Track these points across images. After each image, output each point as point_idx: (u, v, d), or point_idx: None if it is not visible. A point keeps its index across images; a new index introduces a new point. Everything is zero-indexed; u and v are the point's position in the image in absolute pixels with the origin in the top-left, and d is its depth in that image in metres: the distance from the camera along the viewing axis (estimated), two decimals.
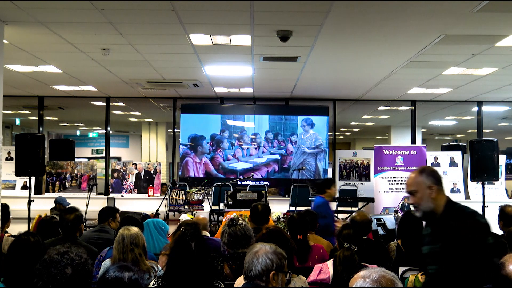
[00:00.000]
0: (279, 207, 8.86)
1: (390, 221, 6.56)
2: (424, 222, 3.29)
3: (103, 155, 11.99)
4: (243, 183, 10.07)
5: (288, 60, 7.32)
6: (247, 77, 8.63)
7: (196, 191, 9.02)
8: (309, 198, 9.09)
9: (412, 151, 9.50)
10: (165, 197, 9.17)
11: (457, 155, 10.49)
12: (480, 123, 11.20)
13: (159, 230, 5.73)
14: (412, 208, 3.42)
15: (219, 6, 5.01)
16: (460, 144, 13.13)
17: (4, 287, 3.34)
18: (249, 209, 5.32)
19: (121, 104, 12.18)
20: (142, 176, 10.55)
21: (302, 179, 9.89)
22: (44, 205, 8.84)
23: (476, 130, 11.52)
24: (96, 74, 8.49)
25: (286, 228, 5.67)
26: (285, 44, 6.03)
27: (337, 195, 10.27)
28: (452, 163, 10.40)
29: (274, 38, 5.96)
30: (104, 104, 11.25)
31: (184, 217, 7.28)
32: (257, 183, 10.31)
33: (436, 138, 20.36)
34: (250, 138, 10.60)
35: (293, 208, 8.91)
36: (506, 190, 10.61)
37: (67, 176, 10.53)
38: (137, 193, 10.44)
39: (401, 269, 4.12)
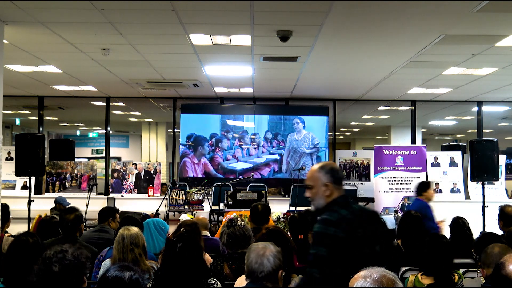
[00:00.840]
0: (279, 207, 8.86)
1: (390, 221, 6.58)
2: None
3: (103, 155, 11.99)
4: (243, 183, 10.07)
5: (288, 60, 7.32)
6: (247, 77, 8.63)
7: (196, 191, 9.02)
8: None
9: (412, 151, 9.50)
10: (165, 197, 9.17)
11: (457, 155, 10.48)
12: (480, 123, 11.20)
13: (159, 230, 5.73)
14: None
15: (219, 6, 5.01)
16: (460, 144, 13.13)
17: (4, 287, 3.35)
18: (249, 209, 5.32)
19: (121, 104, 12.18)
20: (142, 176, 10.55)
21: (302, 179, 9.89)
22: (44, 205, 8.83)
23: (476, 130, 11.51)
24: (96, 74, 8.49)
25: (286, 228, 5.67)
26: (285, 44, 6.03)
27: None
28: (452, 163, 10.40)
29: (274, 38, 5.96)
30: (104, 104, 11.25)
31: (184, 217, 7.28)
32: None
33: (436, 138, 20.36)
34: (250, 138, 10.60)
35: (293, 208, 8.91)
36: (506, 190, 10.61)
37: (67, 176, 10.53)
38: (137, 193, 10.44)
39: (401, 269, 4.13)
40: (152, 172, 10.56)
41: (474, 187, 10.04)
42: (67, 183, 10.50)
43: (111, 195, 10.27)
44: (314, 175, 2.96)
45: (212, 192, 9.74)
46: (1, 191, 5.78)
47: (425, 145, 10.32)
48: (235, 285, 3.31)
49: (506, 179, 10.73)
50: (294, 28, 5.71)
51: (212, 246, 4.50)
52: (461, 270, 4.01)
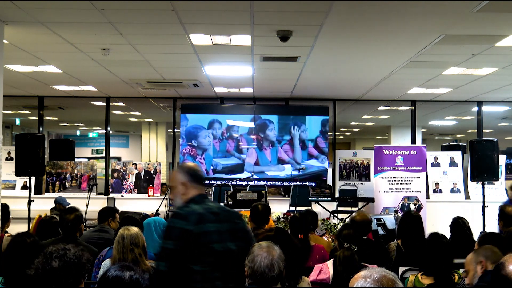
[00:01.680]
0: (279, 207, 8.86)
1: (390, 221, 6.56)
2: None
3: (103, 155, 11.98)
4: (243, 183, 10.07)
5: (288, 60, 7.32)
6: (247, 77, 8.63)
7: None
8: (309, 198, 9.10)
9: (412, 151, 9.50)
10: (165, 197, 9.17)
11: (457, 155, 10.49)
12: (480, 123, 11.20)
13: (158, 231, 5.73)
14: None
15: (219, 6, 5.00)
16: (460, 144, 13.14)
17: (3, 287, 3.35)
18: (249, 209, 5.32)
19: (121, 104, 12.18)
20: (142, 176, 10.55)
21: (302, 179, 9.89)
22: (44, 205, 8.83)
23: (476, 130, 11.51)
24: (96, 74, 8.49)
25: (286, 228, 5.67)
26: (285, 44, 6.03)
27: (337, 195, 10.30)
28: (452, 163, 10.40)
29: (274, 38, 5.95)
30: (104, 104, 11.25)
31: None
32: (256, 182, 10.31)
33: (436, 138, 20.36)
34: (250, 138, 10.59)
35: (293, 208, 8.91)
36: (506, 190, 10.61)
37: (67, 176, 10.53)
38: (137, 193, 10.44)
39: (401, 269, 4.13)
40: (152, 172, 10.56)
41: (474, 187, 10.04)
42: (67, 183, 10.50)
43: (111, 195, 10.28)
44: (174, 176, 3.07)
45: (212, 192, 9.74)
46: (1, 191, 5.78)
47: (425, 145, 10.31)
48: None
49: (506, 179, 10.73)
50: (294, 28, 5.71)
51: None
52: (461, 270, 4.00)
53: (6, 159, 10.24)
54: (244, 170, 10.42)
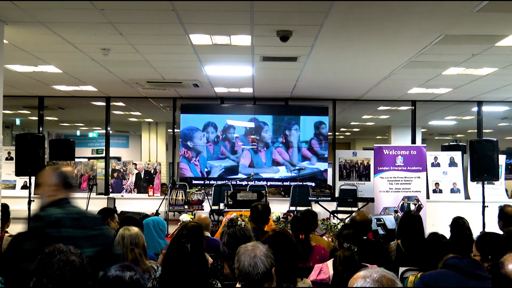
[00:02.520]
0: (279, 207, 8.87)
1: (390, 221, 6.55)
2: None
3: (103, 155, 11.99)
4: (243, 183, 10.08)
5: (288, 60, 7.32)
6: (247, 77, 8.63)
7: (196, 191, 9.03)
8: (309, 198, 9.10)
9: (412, 151, 9.50)
10: (165, 197, 9.18)
11: (457, 155, 10.49)
12: (480, 123, 11.21)
13: (157, 231, 5.73)
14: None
15: (219, 6, 5.01)
16: (460, 144, 13.13)
17: (3, 287, 3.35)
18: (249, 209, 5.32)
19: (121, 104, 12.18)
20: (142, 176, 10.55)
21: (302, 179, 9.90)
22: None
23: (476, 130, 11.52)
24: (96, 74, 8.49)
25: (287, 228, 5.67)
26: (285, 44, 6.03)
27: (337, 195, 10.31)
28: (452, 163, 10.40)
29: (274, 38, 5.96)
30: (104, 104, 11.25)
31: (184, 217, 7.29)
32: (256, 182, 10.32)
33: (436, 138, 20.37)
34: (246, 140, 10.59)
35: (293, 208, 8.92)
36: (506, 190, 10.62)
37: None
38: (137, 193, 10.44)
39: (401, 269, 4.13)
40: (152, 172, 10.56)
41: (474, 187, 10.05)
42: None
43: (111, 195, 10.28)
44: (45, 174, 3.32)
45: (212, 192, 9.75)
46: (1, 191, 5.78)
47: (425, 145, 10.31)
48: (236, 285, 3.30)
49: (506, 179, 10.74)
50: (294, 28, 5.71)
51: (212, 246, 4.50)
52: None
53: (6, 159, 10.25)
54: (239, 172, 10.43)
